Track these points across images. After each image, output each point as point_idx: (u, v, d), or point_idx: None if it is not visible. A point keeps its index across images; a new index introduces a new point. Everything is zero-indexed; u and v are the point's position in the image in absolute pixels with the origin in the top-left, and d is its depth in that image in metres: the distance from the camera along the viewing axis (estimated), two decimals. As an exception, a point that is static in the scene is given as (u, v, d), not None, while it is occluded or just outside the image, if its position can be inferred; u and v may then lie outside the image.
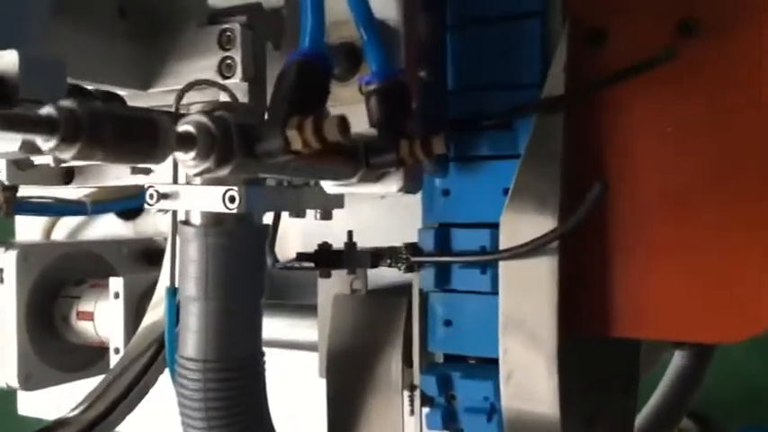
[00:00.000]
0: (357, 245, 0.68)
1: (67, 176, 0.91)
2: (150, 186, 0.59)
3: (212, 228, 0.58)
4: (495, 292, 0.59)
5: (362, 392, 0.66)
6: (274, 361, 0.63)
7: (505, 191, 0.59)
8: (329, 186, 0.56)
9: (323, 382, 0.69)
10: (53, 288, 0.99)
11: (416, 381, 0.63)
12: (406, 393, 0.64)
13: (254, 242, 0.60)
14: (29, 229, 1.21)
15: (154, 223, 1.16)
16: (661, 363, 1.09)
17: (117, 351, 0.89)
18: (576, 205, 0.55)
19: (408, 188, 0.54)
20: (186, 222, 0.60)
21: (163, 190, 0.59)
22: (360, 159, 0.54)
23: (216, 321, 0.58)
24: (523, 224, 0.57)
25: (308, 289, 0.99)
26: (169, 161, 0.60)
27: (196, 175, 0.49)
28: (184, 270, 0.59)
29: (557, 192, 0.56)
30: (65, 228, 1.22)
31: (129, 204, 1.17)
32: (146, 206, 0.60)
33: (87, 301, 0.97)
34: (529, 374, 0.56)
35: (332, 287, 0.70)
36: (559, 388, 0.55)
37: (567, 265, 0.56)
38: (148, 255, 1.11)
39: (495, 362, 0.62)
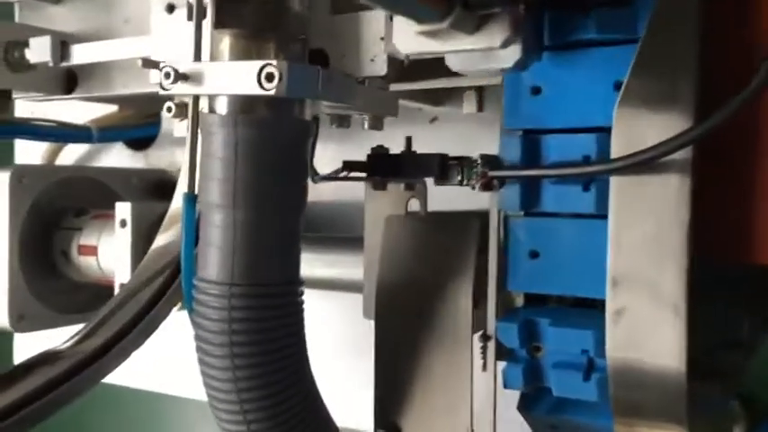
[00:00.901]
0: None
1: (69, 83, 0.79)
2: (166, 64, 0.47)
3: (243, 115, 0.46)
4: (601, 215, 0.47)
5: (420, 341, 0.55)
6: (308, 304, 0.51)
7: (618, 85, 0.47)
8: (406, 38, 0.43)
9: (369, 327, 0.57)
10: (51, 218, 0.89)
11: (491, 328, 0.51)
12: (477, 343, 0.52)
13: (295, 137, 0.48)
14: (29, 156, 1.10)
15: (168, 154, 1.04)
16: None
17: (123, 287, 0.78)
18: (712, 108, 0.42)
19: (510, 41, 0.41)
20: (211, 111, 0.48)
21: (182, 68, 0.47)
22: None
23: (245, 235, 0.47)
24: (644, 125, 0.45)
25: (349, 226, 0.88)
26: (189, 30, 0.48)
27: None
28: (207, 171, 0.48)
29: (692, 80, 0.43)
30: (69, 157, 1.11)
31: (141, 132, 1.07)
32: (159, 91, 0.49)
33: (90, 234, 0.86)
34: (647, 317, 0.44)
35: (382, 208, 0.58)
36: (687, 334, 0.43)
37: (701, 179, 0.43)
38: (161, 188, 1.00)
39: (595, 305, 0.50)
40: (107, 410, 1.77)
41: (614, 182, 0.46)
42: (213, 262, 0.48)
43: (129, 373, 0.63)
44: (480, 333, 0.52)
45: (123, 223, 0.78)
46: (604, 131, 0.47)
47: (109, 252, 0.83)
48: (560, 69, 0.49)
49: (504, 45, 0.41)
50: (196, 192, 0.50)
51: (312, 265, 0.73)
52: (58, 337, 0.60)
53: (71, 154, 1.12)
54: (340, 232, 0.90)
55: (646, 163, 0.44)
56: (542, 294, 0.53)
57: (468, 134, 0.86)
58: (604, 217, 0.47)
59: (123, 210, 0.78)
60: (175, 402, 1.16)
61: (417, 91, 0.77)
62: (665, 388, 0.45)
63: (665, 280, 0.44)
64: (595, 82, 0.48)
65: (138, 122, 1.07)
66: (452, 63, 0.45)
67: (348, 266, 0.71)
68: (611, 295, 0.46)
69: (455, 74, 0.71)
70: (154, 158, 1.08)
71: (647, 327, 0.45)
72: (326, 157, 0.87)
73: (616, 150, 0.46)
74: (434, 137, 0.86)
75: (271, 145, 0.47)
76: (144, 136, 1.08)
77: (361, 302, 0.62)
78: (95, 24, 0.77)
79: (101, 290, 0.88)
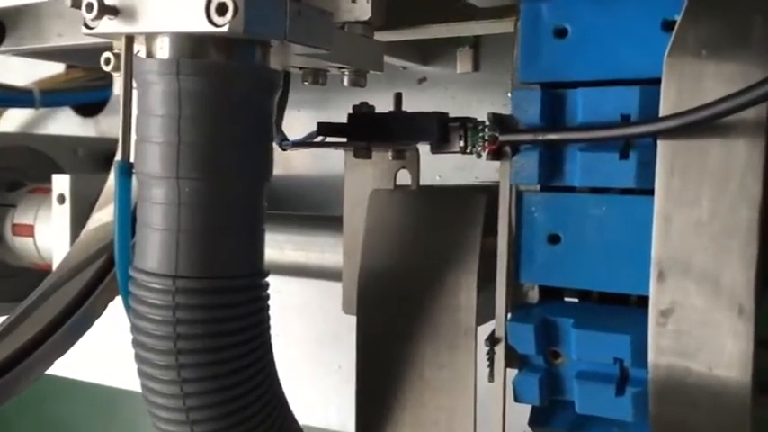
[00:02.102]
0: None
1: (-4, 34, 0.68)
2: (90, -6, 0.37)
3: (189, 60, 0.36)
4: (642, 190, 0.37)
5: (411, 342, 0.45)
6: (276, 295, 0.42)
7: (667, 24, 0.37)
8: None
9: (349, 323, 0.48)
10: (-20, 193, 0.77)
11: (499, 329, 0.42)
12: (482, 347, 0.43)
13: (255, 88, 0.38)
14: (-37, 123, 0.99)
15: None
16: None
17: (61, 274, 0.67)
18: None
19: None
20: (149, 55, 0.38)
21: (109, 0, 0.37)
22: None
23: (193, 214, 0.38)
24: (703, 75, 0.35)
25: (324, 203, 0.79)
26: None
27: None
28: (144, 132, 0.38)
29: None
30: (10, 124, 1.00)
31: (90, 96, 0.96)
32: (83, 30, 0.38)
33: (26, 211, 0.76)
34: (703, 317, 0.35)
35: (365, 181, 0.49)
36: (754, 340, 0.34)
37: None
38: (111, 159, 0.89)
39: (627, 301, 0.41)
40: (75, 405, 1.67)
41: (663, 147, 0.37)
42: (153, 249, 0.38)
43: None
44: (487, 336, 0.43)
45: (62, 199, 0.68)
46: (649, 84, 0.38)
47: (47, 232, 0.73)
48: (592, 5, 0.40)
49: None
50: (132, 160, 0.40)
51: (281, 247, 0.63)
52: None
53: (11, 121, 1.02)
54: (314, 210, 0.81)
55: (706, 123, 0.35)
56: (561, 287, 0.44)
57: (461, 97, 0.77)
58: (648, 192, 0.38)
59: (61, 183, 0.68)
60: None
61: (403, 45, 0.68)
62: (723, 405, 0.36)
63: (726, 272, 0.35)
64: (637, 20, 0.39)
65: (88, 85, 0.96)
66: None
67: (324, 250, 0.61)
68: (656, 290, 0.37)
69: (447, 18, 0.62)
70: (105, 126, 0.98)
71: (703, 329, 0.36)
72: (299, 123, 0.78)
73: (666, 107, 0.36)
74: (423, 100, 0.77)
75: (224, 97, 0.37)
76: (94, 100, 0.97)
77: (339, 292, 0.53)
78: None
79: (40, 275, 0.78)
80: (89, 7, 0.37)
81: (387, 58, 0.60)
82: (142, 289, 0.39)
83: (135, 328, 0.40)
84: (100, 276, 0.46)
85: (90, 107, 0.97)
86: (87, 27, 0.39)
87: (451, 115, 0.45)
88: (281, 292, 0.48)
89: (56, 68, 0.96)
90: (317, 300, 0.78)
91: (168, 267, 0.38)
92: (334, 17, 0.47)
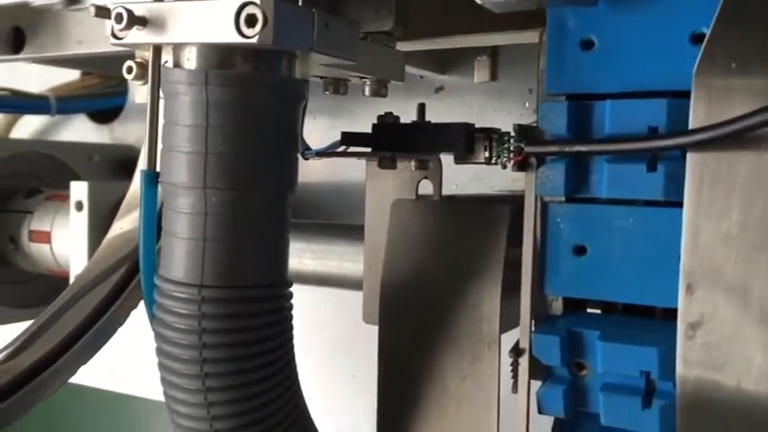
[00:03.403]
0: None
1: (17, 41, 0.69)
2: (118, 5, 0.38)
3: (217, 71, 0.37)
4: (671, 202, 0.38)
5: (433, 353, 0.46)
6: (296, 304, 0.42)
7: (696, 36, 0.38)
8: None
9: (370, 333, 0.48)
10: (-3, 199, 0.78)
11: (524, 340, 0.42)
12: (506, 357, 0.43)
13: (283, 100, 0.39)
14: (-21, 129, 0.99)
15: (137, 128, 0.94)
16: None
17: (79, 281, 0.68)
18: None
19: None
20: (176, 65, 0.38)
21: (139, 10, 0.37)
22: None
23: (219, 224, 0.38)
24: (734, 88, 0.35)
25: (342, 211, 0.79)
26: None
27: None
28: (171, 142, 0.39)
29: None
30: (24, 130, 1.00)
31: (106, 103, 0.97)
32: (111, 41, 0.39)
33: (43, 218, 0.76)
34: (733, 330, 0.35)
35: (386, 191, 0.49)
36: (786, 355, 0.34)
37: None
38: (127, 166, 0.90)
39: (652, 313, 0.41)
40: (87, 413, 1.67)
41: (692, 160, 0.37)
42: (179, 258, 0.39)
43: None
44: (511, 348, 0.43)
45: (79, 206, 0.69)
46: (676, 96, 0.38)
47: (64, 239, 0.73)
48: (619, 16, 0.40)
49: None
50: (158, 169, 0.41)
51: (300, 256, 0.64)
52: (8, 336, 0.51)
53: (26, 127, 1.02)
54: (331, 218, 0.81)
55: (736, 136, 0.35)
56: (585, 299, 0.44)
57: (478, 106, 0.77)
58: (675, 204, 0.38)
59: (79, 190, 0.69)
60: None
61: (421, 54, 0.68)
62: (752, 419, 0.36)
63: (756, 284, 0.35)
64: (665, 33, 0.39)
65: (103, 92, 0.97)
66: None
67: (343, 259, 0.62)
68: (685, 303, 0.37)
69: (470, 29, 0.61)
70: (120, 132, 0.99)
71: (732, 343, 0.36)
72: (317, 132, 0.79)
73: (695, 121, 0.37)
74: (440, 109, 0.77)
75: (251, 108, 0.38)
76: (109, 107, 0.98)
77: (353, 301, 0.53)
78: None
79: (56, 282, 0.79)
80: (119, 18, 0.37)
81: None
82: (168, 298, 0.39)
83: (159, 337, 0.40)
84: (122, 285, 0.46)
85: (105, 114, 0.98)
86: (116, 37, 0.39)
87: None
88: (295, 299, 0.48)
89: (71, 75, 0.97)
90: (331, 308, 0.78)
91: (194, 276, 0.39)
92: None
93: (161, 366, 0.41)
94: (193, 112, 0.38)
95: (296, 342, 0.43)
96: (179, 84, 0.38)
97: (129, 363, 0.84)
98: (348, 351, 0.80)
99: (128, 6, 0.38)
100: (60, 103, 0.94)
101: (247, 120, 0.38)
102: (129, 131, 0.97)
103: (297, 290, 0.43)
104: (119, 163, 0.90)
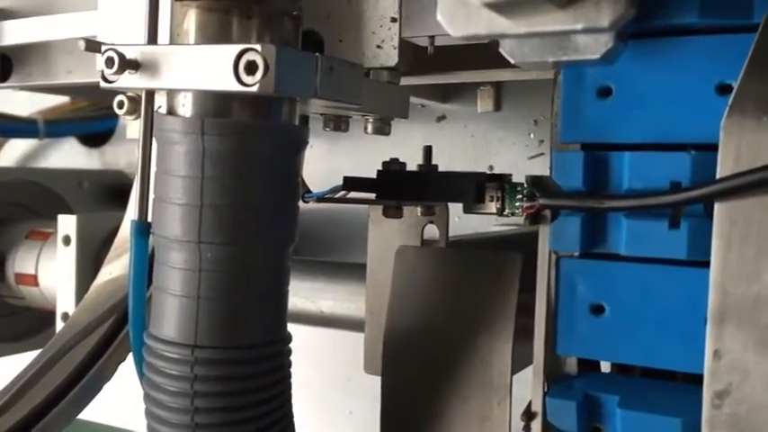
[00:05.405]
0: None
1: (3, 69, 0.67)
2: (110, 47, 0.36)
3: (214, 120, 0.34)
4: (694, 262, 0.36)
5: (438, 408, 0.43)
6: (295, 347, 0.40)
7: (722, 87, 0.36)
8: (457, 13, 0.31)
9: (373, 384, 0.46)
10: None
11: (536, 402, 0.40)
12: (516, 419, 0.41)
13: (282, 149, 0.37)
14: (-36, 153, 0.97)
15: (128, 152, 0.92)
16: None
17: (66, 317, 0.66)
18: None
19: (622, 19, 0.29)
20: (170, 112, 0.36)
21: (131, 54, 0.35)
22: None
23: (215, 280, 0.35)
24: (764, 140, 0.33)
25: (339, 246, 0.77)
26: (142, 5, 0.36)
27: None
28: (164, 193, 0.36)
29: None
30: (10, 155, 0.98)
31: (96, 126, 0.94)
32: (101, 84, 0.37)
33: (25, 260, 0.73)
34: (762, 400, 0.33)
35: (390, 236, 0.47)
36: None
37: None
38: (118, 192, 0.87)
39: (673, 376, 0.39)
40: None
41: (720, 216, 0.35)
42: (171, 315, 0.37)
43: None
44: (523, 411, 0.40)
45: (67, 240, 0.66)
46: (704, 149, 0.36)
47: (51, 277, 0.70)
48: (640, 64, 0.38)
49: (614, 25, 0.29)
50: (150, 219, 0.38)
51: (293, 293, 0.61)
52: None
53: (13, 150, 1.00)
54: (324, 248, 0.79)
55: (765, 184, 0.33)
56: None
57: (481, 136, 0.75)
58: (700, 264, 0.36)
59: (67, 224, 0.66)
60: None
61: (423, 84, 0.66)
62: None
63: (788, 352, 0.33)
64: (689, 82, 0.37)
65: (93, 114, 0.94)
66: (509, 50, 0.34)
67: (340, 299, 0.59)
68: (711, 370, 0.35)
69: (473, 65, 0.60)
70: (111, 157, 0.96)
71: (763, 413, 0.34)
72: (314, 159, 0.76)
73: (724, 173, 0.35)
74: (441, 138, 0.75)
75: (250, 158, 0.36)
76: (100, 130, 0.96)
77: (351, 336, 0.50)
78: (32, -2, 0.64)
79: (44, 315, 0.76)
80: (109, 62, 0.35)
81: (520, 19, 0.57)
82: (158, 358, 0.37)
83: (148, 399, 0.38)
84: (110, 338, 0.44)
85: (96, 137, 0.96)
86: (106, 81, 0.37)
87: (471, 155, 0.43)
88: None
89: (60, 97, 0.94)
90: (329, 343, 0.76)
91: (187, 336, 0.36)
92: (359, 62, 0.45)
93: (149, 429, 0.38)
94: (188, 163, 0.35)
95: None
96: (173, 132, 0.36)
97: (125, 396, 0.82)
98: (345, 386, 0.78)
99: (119, 49, 0.36)
100: (49, 127, 0.92)
101: (246, 170, 0.36)
102: (119, 156, 0.94)
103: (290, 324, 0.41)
104: (109, 190, 0.88)
